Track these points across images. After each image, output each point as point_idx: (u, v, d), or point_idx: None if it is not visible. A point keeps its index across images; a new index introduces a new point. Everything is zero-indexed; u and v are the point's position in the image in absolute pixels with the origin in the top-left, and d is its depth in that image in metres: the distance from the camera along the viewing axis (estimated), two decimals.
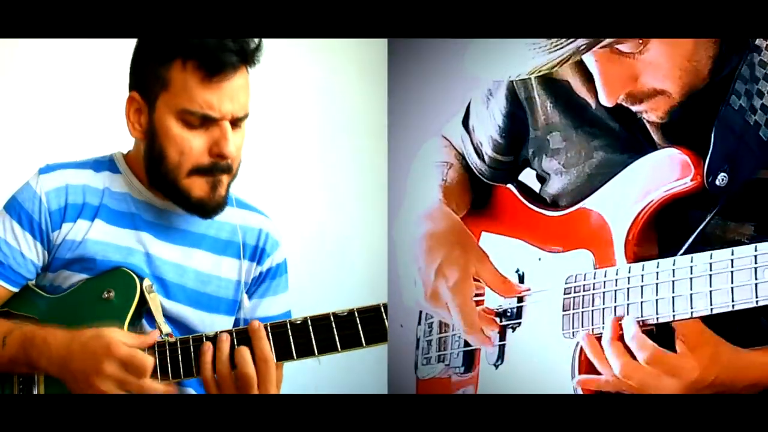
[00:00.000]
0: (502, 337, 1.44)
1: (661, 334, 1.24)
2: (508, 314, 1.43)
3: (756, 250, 1.14)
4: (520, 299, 1.42)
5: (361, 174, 2.50)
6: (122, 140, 1.70)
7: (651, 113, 1.27)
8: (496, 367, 1.44)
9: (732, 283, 1.16)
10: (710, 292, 1.18)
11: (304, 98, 2.50)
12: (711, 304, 1.18)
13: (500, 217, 1.55)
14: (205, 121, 1.53)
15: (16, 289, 1.62)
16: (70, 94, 2.30)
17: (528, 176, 1.56)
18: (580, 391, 1.28)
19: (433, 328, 1.59)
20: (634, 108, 1.27)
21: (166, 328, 1.58)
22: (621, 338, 1.25)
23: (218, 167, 1.56)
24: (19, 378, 1.57)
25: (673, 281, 1.22)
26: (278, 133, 2.45)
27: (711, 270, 1.18)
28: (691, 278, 1.20)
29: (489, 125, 1.52)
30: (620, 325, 1.25)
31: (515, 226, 1.50)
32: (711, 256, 1.18)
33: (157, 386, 1.50)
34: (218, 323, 1.67)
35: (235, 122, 1.56)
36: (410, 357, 1.63)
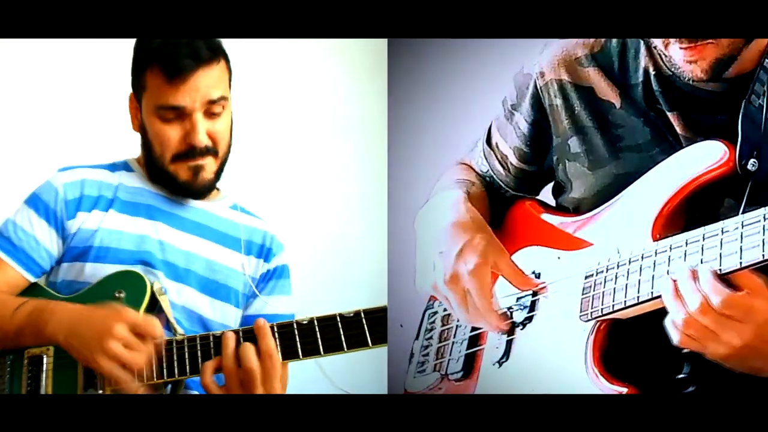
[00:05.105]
0: (510, 332, 1.45)
1: None
2: (518, 308, 1.45)
3: None
4: (534, 294, 1.45)
5: (361, 174, 2.50)
6: (134, 148, 1.79)
7: (697, 65, 1.29)
8: (500, 364, 1.45)
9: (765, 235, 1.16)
10: (740, 247, 1.18)
11: (304, 98, 2.51)
12: (741, 258, 1.18)
13: (520, 232, 1.56)
14: (179, 115, 1.66)
15: (30, 276, 1.66)
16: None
17: (545, 194, 1.61)
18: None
19: (433, 338, 1.60)
20: (683, 55, 1.29)
21: (179, 328, 1.61)
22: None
23: (196, 152, 1.68)
24: (29, 369, 1.58)
25: (702, 247, 1.22)
26: (278, 134, 2.46)
27: (743, 228, 1.19)
28: (722, 240, 1.21)
29: (514, 137, 1.57)
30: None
31: (538, 236, 1.52)
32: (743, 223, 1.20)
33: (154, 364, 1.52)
34: (228, 313, 1.72)
35: (210, 110, 1.66)
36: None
